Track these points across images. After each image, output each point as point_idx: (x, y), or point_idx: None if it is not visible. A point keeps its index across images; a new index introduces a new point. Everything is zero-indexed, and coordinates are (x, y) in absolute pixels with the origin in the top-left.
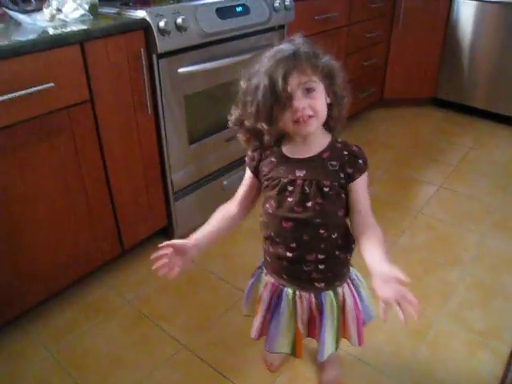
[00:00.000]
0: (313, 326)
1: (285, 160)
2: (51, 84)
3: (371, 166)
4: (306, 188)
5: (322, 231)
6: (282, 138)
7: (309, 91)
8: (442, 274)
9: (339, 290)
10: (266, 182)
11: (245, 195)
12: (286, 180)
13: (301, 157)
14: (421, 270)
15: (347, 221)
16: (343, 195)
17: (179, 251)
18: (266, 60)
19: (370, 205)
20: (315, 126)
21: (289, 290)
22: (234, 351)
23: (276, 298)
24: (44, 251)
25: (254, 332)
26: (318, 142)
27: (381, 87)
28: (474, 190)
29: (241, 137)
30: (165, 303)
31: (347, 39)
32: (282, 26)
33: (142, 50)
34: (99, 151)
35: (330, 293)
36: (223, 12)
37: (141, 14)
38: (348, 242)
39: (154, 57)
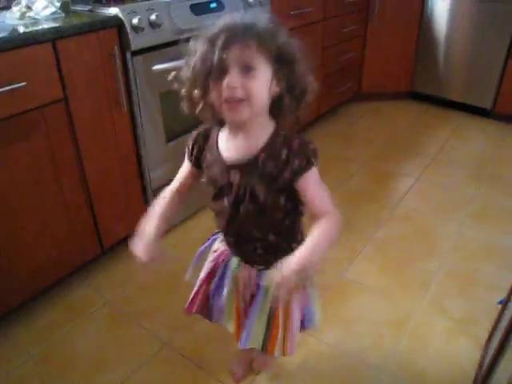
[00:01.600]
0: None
1: (220, 160)
2: (23, 83)
3: (349, 160)
4: (241, 192)
5: (255, 232)
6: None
7: (248, 70)
8: (421, 264)
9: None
10: (205, 178)
11: (182, 184)
12: (222, 182)
13: (234, 159)
14: (400, 261)
15: (291, 218)
16: (282, 198)
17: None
18: (216, 23)
19: (325, 194)
20: (246, 114)
21: (235, 260)
22: (217, 347)
23: (223, 266)
24: (22, 253)
25: (187, 303)
26: (256, 134)
27: (358, 81)
28: (452, 181)
29: (183, 105)
30: (146, 301)
31: (323, 34)
32: None
33: (115, 47)
34: (75, 150)
35: (270, 271)
36: (197, 8)
37: (114, 11)
38: (292, 232)
39: (128, 54)
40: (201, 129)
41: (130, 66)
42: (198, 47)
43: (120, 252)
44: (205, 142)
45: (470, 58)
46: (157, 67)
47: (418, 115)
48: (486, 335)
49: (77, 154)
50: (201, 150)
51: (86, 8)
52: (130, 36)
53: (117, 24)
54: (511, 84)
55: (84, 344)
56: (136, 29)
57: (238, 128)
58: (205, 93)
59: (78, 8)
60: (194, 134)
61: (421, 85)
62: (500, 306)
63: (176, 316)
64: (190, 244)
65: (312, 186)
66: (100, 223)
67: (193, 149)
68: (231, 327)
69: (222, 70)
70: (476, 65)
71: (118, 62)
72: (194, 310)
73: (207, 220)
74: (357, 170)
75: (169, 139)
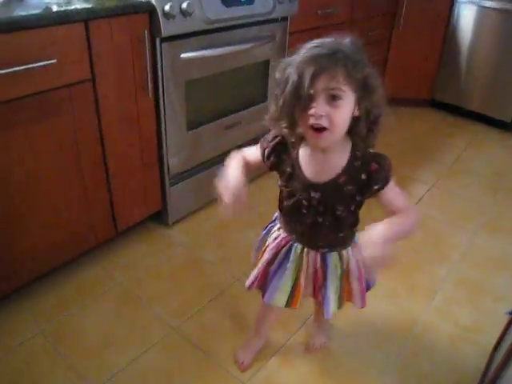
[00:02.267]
0: (316, 286)
1: (301, 177)
2: (54, 60)
3: None
4: (321, 208)
5: (328, 232)
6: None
7: (334, 99)
8: (430, 270)
9: (343, 252)
10: (282, 185)
11: (251, 164)
12: (301, 197)
13: (316, 181)
14: (410, 266)
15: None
16: (358, 209)
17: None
18: (303, 51)
19: (401, 195)
20: (329, 141)
21: (298, 245)
22: (224, 336)
23: (286, 250)
24: (38, 230)
25: (248, 281)
26: (336, 156)
27: None
28: (466, 190)
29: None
30: (156, 286)
31: (349, 35)
32: (285, 18)
33: (145, 32)
34: (98, 131)
35: (335, 254)
36: (228, 0)
37: None
38: (355, 223)
39: (158, 40)
40: (278, 136)
41: (158, 52)
42: (287, 79)
43: (134, 236)
44: (283, 153)
45: (493, 69)
46: (185, 55)
47: (436, 123)
48: (491, 344)
49: (99, 135)
50: (279, 160)
51: None
52: (160, 22)
53: (148, 9)
54: None
55: (93, 323)
56: (167, 15)
57: (321, 151)
58: (292, 122)
59: None
60: (270, 140)
61: (441, 93)
62: (508, 316)
63: (186, 302)
64: (201, 234)
65: (390, 194)
66: (116, 206)
67: (269, 156)
68: (282, 302)
69: (310, 99)
70: (498, 77)
71: (147, 47)
72: (255, 286)
73: (220, 212)
74: None
75: (190, 128)
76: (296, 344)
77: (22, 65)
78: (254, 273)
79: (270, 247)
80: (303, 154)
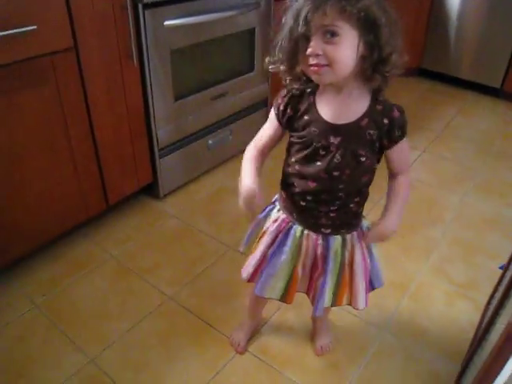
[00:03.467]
0: (312, 279)
1: (319, 121)
2: (34, 27)
3: None
4: (339, 157)
5: (341, 194)
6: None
7: (331, 36)
8: (424, 231)
9: (347, 236)
10: (295, 139)
11: (266, 145)
12: (318, 144)
13: (337, 122)
14: (404, 228)
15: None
16: (375, 161)
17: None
18: None
19: (409, 157)
20: (330, 78)
21: (298, 227)
22: (219, 302)
23: (283, 234)
24: (28, 205)
25: (246, 272)
26: (355, 99)
27: None
28: (457, 155)
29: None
30: (150, 258)
31: None
32: None
33: None
34: (84, 102)
35: (339, 237)
36: None
37: None
38: (363, 197)
39: (140, 7)
40: (292, 89)
41: (141, 19)
42: (285, 20)
43: (125, 209)
44: (299, 103)
45: (481, 36)
46: (168, 23)
47: (425, 91)
48: (485, 300)
49: (85, 105)
50: (296, 111)
51: None
52: None
53: None
54: None
55: (88, 295)
56: None
57: (336, 92)
58: (291, 64)
59: None
60: (285, 94)
61: (430, 62)
62: (501, 270)
63: (179, 272)
64: (192, 206)
65: (403, 152)
66: (106, 179)
67: (285, 109)
68: (277, 294)
69: (306, 40)
70: (487, 44)
71: (130, 14)
72: (256, 278)
73: (211, 183)
74: None
75: (177, 97)
76: (289, 308)
77: (2, 31)
78: (253, 261)
79: (270, 230)
80: (319, 98)
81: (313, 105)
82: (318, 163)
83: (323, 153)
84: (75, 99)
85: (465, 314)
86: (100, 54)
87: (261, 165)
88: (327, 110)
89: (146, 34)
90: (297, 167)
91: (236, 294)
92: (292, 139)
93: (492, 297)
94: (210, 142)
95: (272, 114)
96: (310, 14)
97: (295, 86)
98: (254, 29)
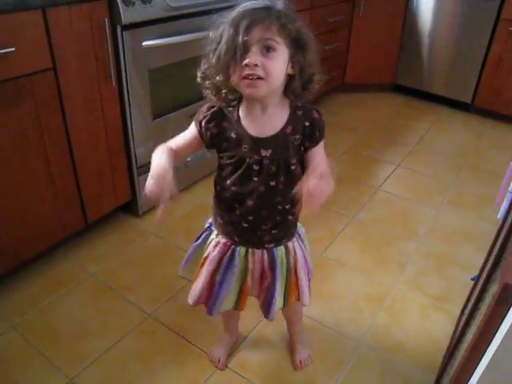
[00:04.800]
0: (263, 287)
1: (247, 137)
2: (12, 49)
3: (333, 147)
4: (273, 168)
5: (280, 207)
6: (239, 100)
7: (268, 50)
8: (399, 245)
9: (289, 244)
10: (226, 159)
11: (180, 145)
12: (251, 160)
13: (264, 136)
14: (379, 242)
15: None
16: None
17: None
18: (237, 8)
19: (325, 158)
20: (264, 91)
21: (242, 248)
22: (199, 318)
23: (228, 257)
24: (5, 224)
25: (192, 299)
26: (278, 113)
27: (342, 72)
28: (430, 169)
29: (207, 93)
30: (129, 276)
31: (310, 22)
32: None
33: (106, 20)
34: (62, 121)
35: (282, 248)
36: None
37: None
38: (298, 206)
39: (119, 28)
40: (214, 106)
41: (119, 40)
42: (222, 33)
43: (104, 227)
44: (222, 120)
45: (452, 52)
46: (146, 43)
47: (399, 107)
48: (458, 311)
49: (64, 125)
50: (220, 129)
51: None
52: (120, 9)
53: None
54: (490, 79)
55: (67, 315)
56: (127, 2)
57: (261, 108)
58: (229, 75)
59: None
60: (207, 109)
61: (403, 77)
62: (473, 282)
63: (159, 289)
64: (171, 223)
65: (320, 153)
66: (85, 197)
67: (208, 124)
68: (230, 306)
69: (244, 50)
70: (458, 60)
71: (108, 34)
72: (201, 301)
73: (190, 200)
74: (339, 156)
75: (155, 116)
76: (268, 323)
77: None
78: (198, 287)
79: (212, 256)
80: (243, 115)
81: (238, 122)
82: (255, 178)
83: (257, 167)
84: (53, 118)
85: (439, 325)
86: (78, 74)
87: (173, 158)
88: (253, 125)
89: (124, 54)
90: (233, 188)
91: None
92: (222, 161)
93: (464, 308)
94: (189, 159)
95: (192, 126)
96: (253, 25)
97: (231, 97)
98: None
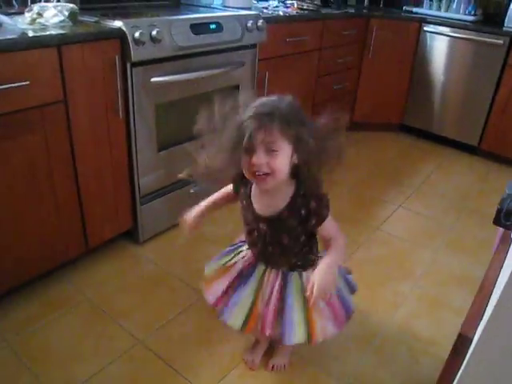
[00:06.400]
0: (267, 304)
1: (252, 210)
2: (27, 82)
3: (335, 184)
4: (268, 238)
5: (282, 258)
6: None
7: (271, 150)
8: (393, 285)
9: (303, 274)
10: (241, 213)
11: (221, 197)
12: (251, 227)
13: (263, 214)
14: (373, 282)
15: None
16: (303, 238)
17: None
18: (247, 108)
19: (335, 227)
20: (271, 184)
21: (262, 265)
22: (188, 349)
23: (250, 269)
24: (8, 244)
25: (213, 296)
26: (280, 195)
27: (350, 111)
28: (432, 211)
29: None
30: (124, 301)
31: (319, 62)
32: (254, 45)
33: (116, 57)
34: (70, 151)
35: (296, 273)
36: (197, 28)
37: (118, 23)
38: (310, 251)
39: (128, 65)
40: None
41: (129, 76)
42: (230, 132)
43: (104, 253)
44: (243, 186)
45: (460, 95)
46: (155, 79)
47: (405, 147)
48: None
49: (71, 154)
50: (239, 192)
51: (93, 19)
52: (131, 48)
53: (120, 36)
54: (497, 122)
55: (60, 337)
56: (137, 42)
57: (266, 190)
58: (236, 162)
59: (86, 18)
60: (237, 174)
61: (411, 118)
62: None
63: (152, 317)
64: (171, 252)
65: (326, 228)
66: (87, 223)
67: (235, 187)
68: (238, 324)
69: (250, 150)
70: (465, 102)
71: (118, 71)
72: (219, 303)
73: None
74: (341, 194)
75: (160, 149)
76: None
77: None
78: (220, 288)
79: (238, 264)
80: (255, 190)
81: (249, 195)
82: (256, 238)
83: (257, 234)
84: (61, 147)
85: (427, 370)
86: (88, 106)
87: (213, 207)
88: (258, 203)
89: (132, 89)
90: (246, 234)
91: (205, 342)
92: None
93: None
94: (192, 190)
95: (231, 182)
96: (257, 130)
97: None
98: (238, 85)
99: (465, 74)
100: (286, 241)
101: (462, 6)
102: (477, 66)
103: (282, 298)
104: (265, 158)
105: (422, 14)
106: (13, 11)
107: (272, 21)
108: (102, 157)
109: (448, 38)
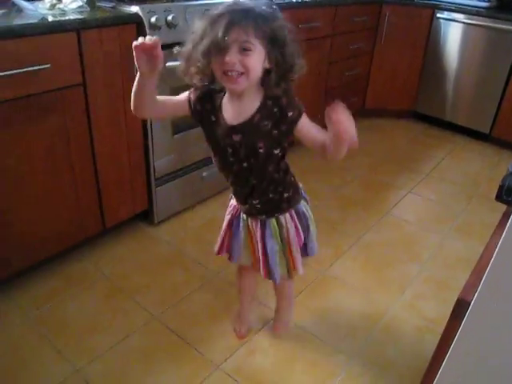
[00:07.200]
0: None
1: (223, 124)
2: (48, 65)
3: (347, 170)
4: (243, 150)
5: (258, 186)
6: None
7: (244, 50)
8: (401, 268)
9: (281, 218)
10: (207, 140)
11: (166, 100)
12: (224, 143)
13: (236, 123)
14: (381, 263)
15: (282, 165)
16: (277, 149)
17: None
18: (220, 7)
19: (318, 127)
20: (244, 85)
21: (243, 215)
22: (201, 324)
23: (236, 218)
24: (29, 223)
25: (216, 246)
26: (250, 100)
27: (362, 97)
28: (441, 197)
29: (193, 79)
30: (140, 279)
31: (331, 49)
32: None
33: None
34: (88, 133)
35: (273, 219)
36: None
37: (134, 9)
38: (280, 185)
39: None
40: (205, 87)
41: None
42: (202, 28)
43: (120, 233)
44: (207, 102)
45: (472, 83)
46: (170, 64)
47: (417, 134)
48: None
49: (89, 136)
50: (203, 109)
51: (110, 4)
52: (147, 33)
53: (136, 21)
54: (508, 110)
55: (79, 311)
56: (153, 27)
57: (237, 95)
58: (207, 64)
59: (103, 4)
60: (201, 87)
61: (423, 105)
62: None
63: (166, 294)
64: (184, 234)
65: (307, 125)
66: (104, 204)
67: (196, 102)
68: (248, 261)
69: (223, 48)
70: (477, 90)
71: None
72: (224, 251)
73: (204, 213)
74: (352, 179)
75: (175, 132)
76: (265, 333)
77: (19, 68)
78: (220, 237)
79: (227, 213)
80: (225, 102)
81: (219, 108)
82: (230, 159)
83: (230, 150)
84: (80, 129)
85: (433, 347)
86: (105, 90)
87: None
88: (229, 113)
89: None
90: (219, 164)
91: (217, 318)
92: (206, 139)
93: None
94: (205, 174)
95: (184, 93)
96: (230, 26)
97: (206, 83)
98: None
99: (477, 61)
100: (263, 149)
101: None
102: (490, 53)
103: (264, 244)
104: (238, 57)
105: (435, 1)
106: None
107: (285, 7)
108: (118, 139)
109: (461, 24)
